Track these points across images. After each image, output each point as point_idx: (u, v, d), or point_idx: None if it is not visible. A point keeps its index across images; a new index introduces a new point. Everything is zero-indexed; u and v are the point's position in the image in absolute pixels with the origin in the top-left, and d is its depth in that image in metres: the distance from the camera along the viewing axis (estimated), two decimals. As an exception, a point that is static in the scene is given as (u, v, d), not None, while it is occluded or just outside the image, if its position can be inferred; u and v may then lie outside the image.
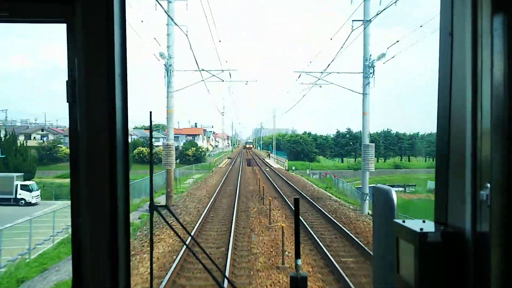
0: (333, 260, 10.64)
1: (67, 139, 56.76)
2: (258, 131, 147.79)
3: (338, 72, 23.05)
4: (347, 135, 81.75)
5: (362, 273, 10.11)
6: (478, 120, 0.95)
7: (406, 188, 48.31)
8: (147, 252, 11.92)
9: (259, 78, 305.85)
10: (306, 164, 68.27)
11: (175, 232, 1.77)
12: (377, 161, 75.56)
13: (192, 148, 67.00)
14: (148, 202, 2.14)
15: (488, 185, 0.91)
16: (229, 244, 12.14)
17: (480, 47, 0.95)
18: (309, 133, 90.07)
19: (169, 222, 1.66)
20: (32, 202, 29.70)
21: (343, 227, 14.82)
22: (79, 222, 1.29)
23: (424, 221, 1.08)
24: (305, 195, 23.74)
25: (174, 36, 20.63)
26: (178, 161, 60.96)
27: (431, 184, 35.57)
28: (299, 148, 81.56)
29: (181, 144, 73.01)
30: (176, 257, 10.78)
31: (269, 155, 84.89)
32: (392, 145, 77.97)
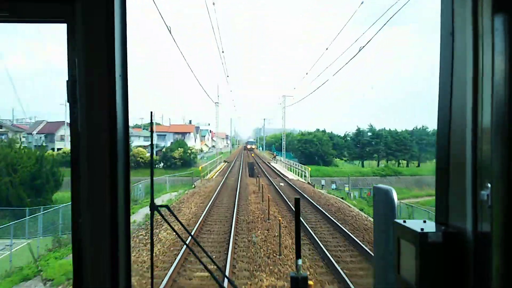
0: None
1: (31, 137, 47.95)
2: (258, 131, 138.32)
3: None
4: (368, 133, 69.33)
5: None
6: (478, 120, 0.96)
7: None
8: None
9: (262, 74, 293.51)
10: (322, 170, 56.65)
11: (175, 231, 1.80)
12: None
13: (179, 149, 54.31)
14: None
15: (489, 185, 0.92)
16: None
17: (481, 47, 0.96)
18: (323, 131, 75.18)
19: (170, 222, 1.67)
20: None
21: None
22: (79, 222, 1.29)
23: (425, 221, 1.09)
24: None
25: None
26: (161, 165, 51.91)
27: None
28: (313, 149, 67.69)
29: (168, 144, 60.80)
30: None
31: (274, 157, 71.12)
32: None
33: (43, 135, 49.74)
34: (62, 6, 1.27)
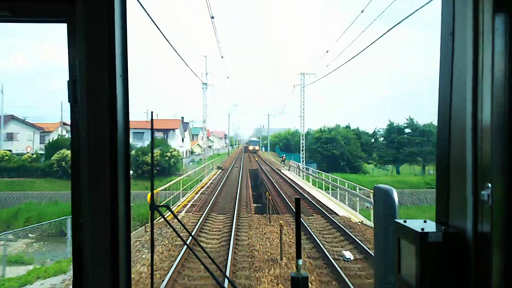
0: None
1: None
2: (259, 131, 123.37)
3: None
4: (406, 130, 52.66)
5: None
6: (478, 120, 0.96)
7: None
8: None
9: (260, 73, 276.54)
10: (351, 179, 39.61)
11: (176, 231, 1.83)
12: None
13: (156, 151, 38.90)
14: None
15: (489, 185, 0.92)
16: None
17: (481, 47, 0.96)
18: (347, 127, 58.10)
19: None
20: None
21: None
22: (80, 223, 1.29)
23: (425, 221, 1.09)
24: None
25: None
26: (131, 173, 35.40)
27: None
28: (338, 150, 51.47)
29: (146, 144, 47.20)
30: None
31: (283, 160, 53.79)
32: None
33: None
34: (62, 6, 1.28)
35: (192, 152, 66.05)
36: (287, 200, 19.13)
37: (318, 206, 17.50)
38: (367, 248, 10.17)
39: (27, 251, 18.82)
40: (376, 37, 17.38)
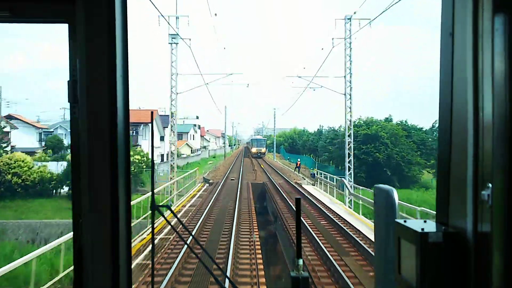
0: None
1: None
2: (260, 130, 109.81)
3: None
4: None
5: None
6: (479, 120, 0.97)
7: None
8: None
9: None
10: (411, 201, 23.01)
11: (176, 231, 2.12)
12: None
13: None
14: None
15: (490, 185, 0.92)
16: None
17: (481, 47, 0.96)
18: (388, 119, 41.38)
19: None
20: None
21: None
22: (80, 223, 1.29)
23: (425, 221, 1.09)
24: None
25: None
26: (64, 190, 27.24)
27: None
28: (381, 154, 35.55)
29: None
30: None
31: (298, 167, 39.65)
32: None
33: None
34: (63, 6, 1.27)
35: (179, 155, 51.47)
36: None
37: None
38: None
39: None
40: None
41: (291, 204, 16.86)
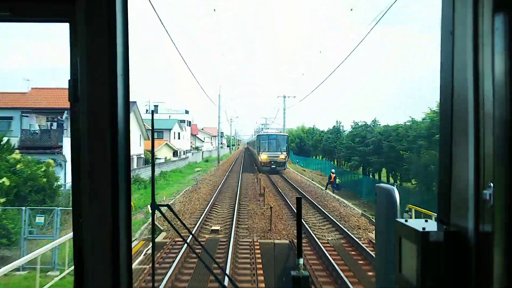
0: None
1: None
2: (260, 130, 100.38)
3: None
4: None
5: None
6: (480, 119, 0.97)
7: None
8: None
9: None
10: None
11: (176, 230, 1.82)
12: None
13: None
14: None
15: (491, 184, 0.92)
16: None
17: (481, 46, 0.97)
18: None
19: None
20: None
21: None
22: (80, 222, 1.29)
23: (426, 221, 1.10)
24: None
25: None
26: None
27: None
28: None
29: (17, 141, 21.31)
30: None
31: (331, 182, 27.25)
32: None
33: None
34: (64, 6, 1.28)
35: (148, 161, 36.53)
36: None
37: None
38: None
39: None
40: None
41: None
